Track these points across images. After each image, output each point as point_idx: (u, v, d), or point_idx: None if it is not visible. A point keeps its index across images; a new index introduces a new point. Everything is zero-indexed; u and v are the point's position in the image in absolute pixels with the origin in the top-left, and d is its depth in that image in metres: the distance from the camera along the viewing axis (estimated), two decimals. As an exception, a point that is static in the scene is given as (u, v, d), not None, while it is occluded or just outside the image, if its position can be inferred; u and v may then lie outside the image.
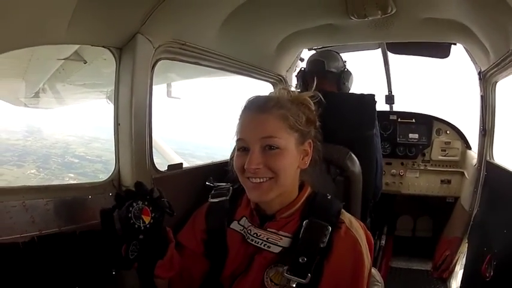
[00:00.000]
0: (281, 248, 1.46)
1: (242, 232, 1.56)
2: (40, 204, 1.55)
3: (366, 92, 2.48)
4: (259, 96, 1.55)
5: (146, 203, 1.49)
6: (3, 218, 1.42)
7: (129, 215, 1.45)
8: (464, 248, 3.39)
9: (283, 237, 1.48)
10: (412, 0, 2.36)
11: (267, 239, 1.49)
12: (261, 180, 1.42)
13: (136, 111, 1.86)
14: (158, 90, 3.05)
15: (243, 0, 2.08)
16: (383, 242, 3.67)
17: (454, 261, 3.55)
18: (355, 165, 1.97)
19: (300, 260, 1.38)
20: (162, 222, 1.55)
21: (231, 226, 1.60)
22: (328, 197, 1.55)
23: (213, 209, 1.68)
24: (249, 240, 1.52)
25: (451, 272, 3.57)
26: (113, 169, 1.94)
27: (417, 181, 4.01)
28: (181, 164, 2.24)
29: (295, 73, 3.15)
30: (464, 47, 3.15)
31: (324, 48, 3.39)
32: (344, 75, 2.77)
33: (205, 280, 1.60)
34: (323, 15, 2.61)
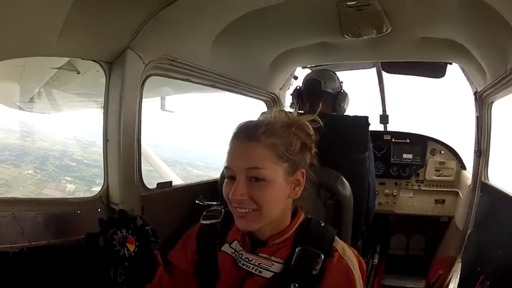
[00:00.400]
0: (273, 273, 1.45)
1: (233, 255, 1.55)
2: (30, 216, 1.58)
3: (359, 113, 2.47)
4: (250, 121, 1.49)
5: (130, 231, 1.51)
6: None
7: (114, 242, 1.47)
8: (458, 267, 3.36)
9: (275, 263, 1.47)
10: (407, 20, 2.32)
11: (259, 264, 1.48)
12: (246, 210, 1.39)
13: (125, 127, 1.85)
14: (153, 103, 3.04)
15: (235, 18, 2.06)
16: (376, 261, 3.63)
17: (448, 280, 3.51)
18: (346, 189, 1.95)
19: (292, 286, 1.37)
20: (148, 248, 1.55)
21: (222, 249, 1.59)
22: (322, 224, 1.53)
23: (205, 231, 1.67)
24: (240, 264, 1.52)
25: (444, 291, 3.54)
26: (101, 185, 1.94)
27: (411, 201, 3.98)
28: (171, 182, 2.23)
29: (290, 91, 3.10)
30: (461, 67, 3.14)
31: (318, 67, 3.38)
32: (340, 96, 2.76)
33: None
34: (317, 34, 2.60)
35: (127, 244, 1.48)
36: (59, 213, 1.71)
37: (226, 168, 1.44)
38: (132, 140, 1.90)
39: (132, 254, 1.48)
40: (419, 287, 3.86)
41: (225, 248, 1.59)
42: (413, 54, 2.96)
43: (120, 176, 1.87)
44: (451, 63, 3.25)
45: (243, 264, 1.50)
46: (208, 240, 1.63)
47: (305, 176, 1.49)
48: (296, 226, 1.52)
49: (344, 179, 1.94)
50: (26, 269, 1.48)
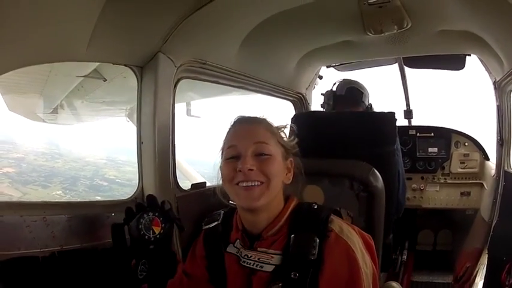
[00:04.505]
0: (274, 266, 1.43)
1: (237, 254, 1.53)
2: (62, 220, 1.57)
3: (384, 109, 2.50)
4: (245, 115, 1.58)
5: (157, 214, 1.53)
6: (23, 232, 1.44)
7: (140, 226, 1.50)
8: (484, 259, 3.33)
9: (274, 256, 1.44)
10: (426, 14, 2.36)
11: (259, 259, 1.47)
12: (253, 184, 1.40)
13: (159, 129, 1.88)
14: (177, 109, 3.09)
15: (261, 20, 2.11)
16: (405, 257, 3.63)
17: (475, 272, 3.49)
18: (378, 180, 1.96)
19: (292, 276, 1.35)
20: (172, 234, 1.59)
21: (227, 249, 1.57)
22: (315, 206, 1.49)
23: (209, 235, 1.66)
24: (241, 262, 1.50)
25: (471, 283, 3.51)
26: (136, 187, 1.96)
27: (437, 195, 3.96)
28: (205, 182, 2.25)
29: (316, 91, 3.29)
30: (479, 58, 3.14)
31: (342, 65, 3.49)
32: (371, 109, 2.95)
33: None
34: (340, 32, 2.64)
35: (153, 227, 1.51)
36: (92, 216, 1.71)
37: (229, 147, 1.46)
38: (167, 141, 1.93)
39: (158, 236, 1.50)
40: (447, 281, 3.83)
41: (230, 248, 1.57)
42: (433, 47, 2.97)
43: (155, 178, 1.89)
44: (469, 55, 3.26)
45: (244, 262, 1.49)
46: (213, 243, 1.63)
47: (293, 164, 1.54)
48: (289, 212, 1.50)
49: (376, 171, 1.95)
50: (56, 274, 1.48)
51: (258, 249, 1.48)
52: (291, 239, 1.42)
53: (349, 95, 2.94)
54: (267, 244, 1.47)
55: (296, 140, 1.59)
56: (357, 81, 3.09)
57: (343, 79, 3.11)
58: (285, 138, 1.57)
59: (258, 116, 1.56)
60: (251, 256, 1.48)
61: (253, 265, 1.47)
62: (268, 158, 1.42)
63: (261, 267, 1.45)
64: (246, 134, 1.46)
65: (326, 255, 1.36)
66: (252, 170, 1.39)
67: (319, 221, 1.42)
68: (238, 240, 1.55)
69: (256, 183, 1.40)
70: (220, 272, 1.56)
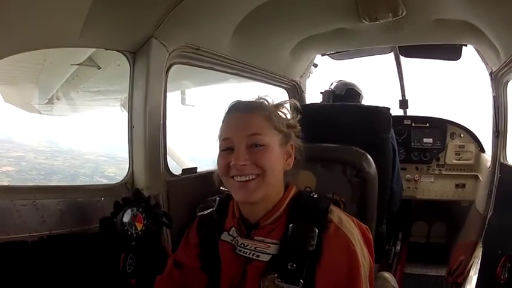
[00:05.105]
0: (270, 256, 1.41)
1: (233, 242, 1.51)
2: (51, 204, 1.54)
3: (379, 98, 2.55)
4: (241, 100, 1.55)
5: (140, 209, 1.50)
6: (12, 216, 1.42)
7: (123, 221, 1.47)
8: (479, 252, 3.33)
9: (270, 245, 1.43)
10: (421, 2, 2.35)
11: (255, 248, 1.45)
12: (248, 178, 1.39)
13: (150, 114, 1.86)
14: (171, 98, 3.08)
15: (255, 6, 2.09)
16: (398, 248, 3.63)
17: (469, 265, 3.50)
18: (371, 166, 1.96)
19: (289, 267, 1.33)
20: (159, 233, 1.56)
21: (221, 237, 1.56)
22: (315, 196, 1.48)
23: (203, 221, 1.64)
24: (237, 251, 1.48)
25: (465, 276, 3.51)
26: (126, 171, 1.94)
27: (432, 186, 3.98)
28: (196, 168, 2.24)
29: (311, 79, 3.36)
30: (475, 48, 3.13)
31: (337, 53, 3.53)
32: None
33: None
34: (335, 19, 2.62)
35: (135, 223, 1.48)
36: (82, 200, 1.68)
37: (223, 140, 1.45)
38: (158, 126, 1.91)
39: (139, 233, 1.48)
40: (440, 274, 3.83)
41: (224, 236, 1.55)
42: (428, 36, 2.96)
43: (145, 162, 1.87)
44: (466, 45, 3.25)
45: (240, 251, 1.47)
46: (207, 230, 1.60)
47: (294, 148, 1.52)
48: (288, 201, 1.48)
49: (369, 156, 1.95)
50: (45, 258, 1.47)
51: (255, 238, 1.47)
52: (289, 228, 1.40)
53: (349, 95, 3.09)
54: (265, 233, 1.46)
55: (299, 116, 1.58)
56: (354, 83, 3.21)
57: (340, 80, 3.24)
58: (288, 115, 1.55)
59: (255, 100, 1.54)
60: (247, 245, 1.47)
61: (249, 254, 1.45)
62: (263, 148, 1.40)
63: (258, 256, 1.43)
64: (239, 125, 1.44)
65: (325, 247, 1.34)
66: (245, 165, 1.38)
67: (318, 211, 1.40)
68: (233, 228, 1.54)
69: (251, 177, 1.39)
70: (214, 261, 1.54)
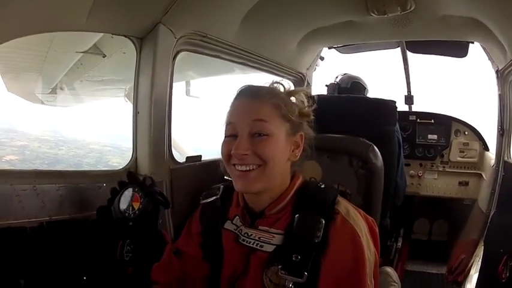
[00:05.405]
0: (274, 246, 1.38)
1: (236, 232, 1.49)
2: (52, 190, 1.52)
3: (385, 93, 2.55)
4: (251, 84, 1.51)
5: (136, 189, 1.49)
6: (12, 202, 1.39)
7: (120, 203, 1.47)
8: (480, 251, 3.33)
9: (275, 235, 1.40)
10: None
11: (259, 238, 1.42)
12: (248, 168, 1.36)
13: (156, 100, 1.85)
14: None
15: None
16: (399, 244, 3.62)
17: (470, 264, 3.49)
18: (378, 158, 1.95)
19: (294, 258, 1.30)
20: (156, 213, 1.54)
21: (225, 226, 1.53)
22: (322, 186, 1.45)
23: (206, 209, 1.62)
24: (240, 240, 1.46)
25: (466, 275, 3.51)
26: (130, 157, 1.93)
27: (435, 183, 3.98)
28: (200, 156, 2.22)
29: (317, 72, 3.38)
30: (482, 46, 3.12)
31: (344, 47, 3.52)
32: None
33: (207, 284, 1.54)
34: (343, 12, 2.61)
35: (132, 203, 1.46)
36: (84, 186, 1.66)
37: (228, 125, 1.42)
38: (163, 113, 1.90)
39: (137, 212, 1.46)
40: (441, 272, 3.83)
41: (227, 225, 1.53)
42: (436, 32, 2.95)
43: (149, 149, 1.86)
44: (472, 42, 3.24)
45: (243, 240, 1.44)
46: (211, 218, 1.58)
47: (303, 138, 1.48)
48: (294, 191, 1.45)
49: (376, 148, 1.94)
50: (45, 245, 1.44)
51: (260, 227, 1.44)
52: (295, 218, 1.37)
53: (354, 88, 3.10)
54: (269, 222, 1.43)
55: (315, 105, 1.53)
56: (360, 77, 3.21)
57: (345, 73, 3.25)
58: (304, 101, 1.51)
59: (264, 86, 1.50)
60: (251, 234, 1.44)
61: (253, 244, 1.42)
62: (266, 138, 1.36)
63: (261, 246, 1.40)
64: (244, 110, 1.41)
65: (331, 239, 1.31)
66: (246, 154, 1.35)
67: (325, 202, 1.37)
68: (237, 217, 1.52)
69: (251, 167, 1.36)
70: (217, 250, 1.51)
